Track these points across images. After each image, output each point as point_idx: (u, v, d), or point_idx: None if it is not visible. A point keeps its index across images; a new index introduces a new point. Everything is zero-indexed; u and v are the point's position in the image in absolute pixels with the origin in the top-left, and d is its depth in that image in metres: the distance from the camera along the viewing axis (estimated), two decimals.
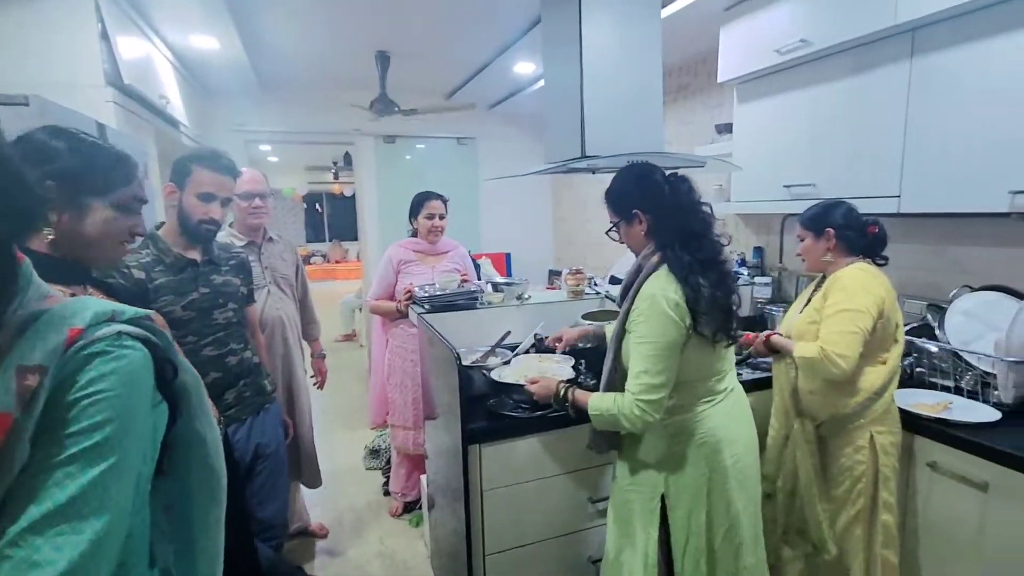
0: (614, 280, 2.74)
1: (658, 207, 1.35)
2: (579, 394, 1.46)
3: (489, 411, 1.68)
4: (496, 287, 2.25)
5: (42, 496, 0.48)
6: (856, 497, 1.54)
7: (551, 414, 1.65)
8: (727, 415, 1.40)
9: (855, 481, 1.54)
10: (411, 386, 2.45)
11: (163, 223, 1.61)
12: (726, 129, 2.63)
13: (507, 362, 1.86)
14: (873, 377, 1.53)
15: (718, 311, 1.30)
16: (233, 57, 3.14)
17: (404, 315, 2.30)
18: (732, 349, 1.43)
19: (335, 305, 6.44)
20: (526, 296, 2.27)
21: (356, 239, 6.12)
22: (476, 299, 2.17)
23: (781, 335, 1.69)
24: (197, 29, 2.73)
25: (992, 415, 1.56)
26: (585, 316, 2.22)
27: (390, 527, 2.58)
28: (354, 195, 9.57)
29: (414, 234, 2.55)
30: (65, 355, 0.52)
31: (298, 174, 10.85)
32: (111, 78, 2.10)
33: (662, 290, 1.28)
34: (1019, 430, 1.49)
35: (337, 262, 11.94)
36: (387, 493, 2.82)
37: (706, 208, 1.38)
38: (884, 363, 1.54)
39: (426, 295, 2.13)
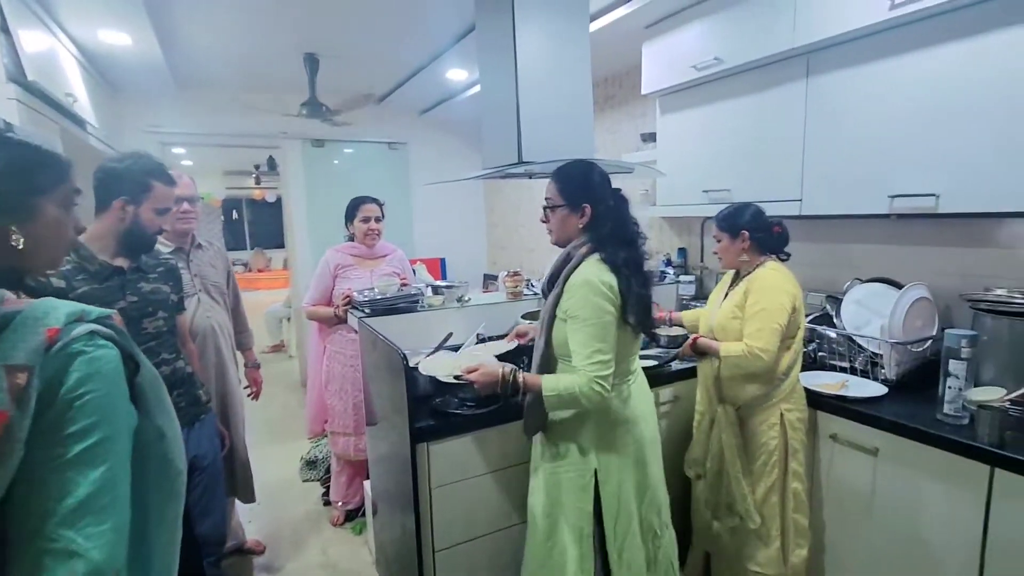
0: None
1: (604, 207, 1.46)
2: (529, 378, 1.45)
3: (435, 410, 1.71)
4: (436, 290, 2.28)
5: (62, 493, 0.53)
6: (771, 469, 1.71)
7: (496, 409, 1.71)
8: (640, 391, 1.57)
9: (770, 455, 1.71)
10: (351, 391, 2.42)
11: (83, 229, 1.52)
12: (650, 138, 2.81)
13: (429, 355, 1.90)
14: (782, 361, 1.71)
15: (642, 304, 1.43)
16: (147, 54, 2.97)
17: (343, 320, 2.28)
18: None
19: (259, 315, 6.15)
20: (466, 298, 2.32)
21: (281, 246, 5.88)
22: (417, 302, 2.19)
23: (705, 337, 1.83)
24: (107, 24, 2.56)
25: (880, 390, 1.79)
26: (525, 316, 2.30)
27: (331, 537, 2.53)
28: (278, 200, 9.19)
29: (351, 238, 2.53)
30: (47, 355, 0.54)
31: (215, 179, 10.26)
32: (13, 74, 1.94)
33: (597, 275, 1.39)
34: (901, 402, 1.72)
35: (260, 271, 11.38)
36: (327, 503, 2.76)
37: (636, 225, 1.51)
38: (789, 348, 1.72)
39: (365, 299, 2.12)
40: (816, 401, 1.80)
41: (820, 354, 2.10)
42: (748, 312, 1.70)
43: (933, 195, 1.69)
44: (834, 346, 2.04)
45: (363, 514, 2.54)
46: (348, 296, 2.24)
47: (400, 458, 1.67)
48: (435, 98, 4.15)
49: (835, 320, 2.07)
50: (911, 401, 1.71)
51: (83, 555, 0.52)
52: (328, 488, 2.76)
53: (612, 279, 1.39)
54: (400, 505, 1.76)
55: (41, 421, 0.53)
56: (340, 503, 2.62)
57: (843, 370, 1.98)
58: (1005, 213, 1.71)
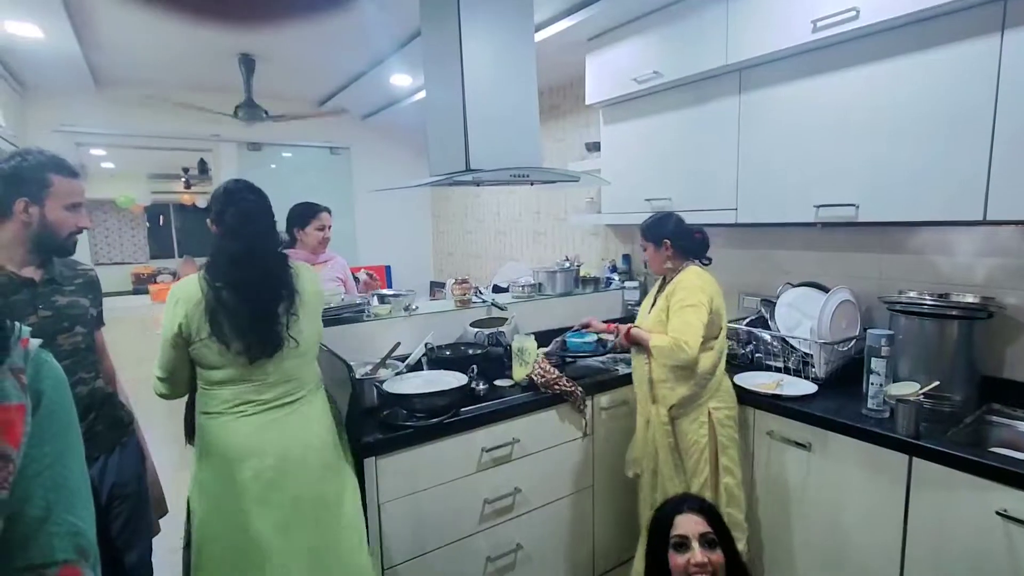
0: (497, 289, 2.85)
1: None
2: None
3: (382, 423, 1.66)
4: (383, 299, 2.23)
5: (59, 484, 0.63)
6: (703, 466, 1.77)
7: (446, 420, 1.68)
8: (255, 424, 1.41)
9: (700, 452, 1.77)
10: None
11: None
12: (595, 147, 2.88)
13: (377, 366, 1.86)
14: (705, 361, 1.77)
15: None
16: (62, 49, 2.75)
17: None
18: None
19: None
20: (413, 307, 2.28)
21: None
22: (363, 311, 2.13)
23: (638, 328, 1.90)
24: (15, 14, 2.36)
25: (811, 388, 1.89)
26: (473, 324, 2.29)
27: None
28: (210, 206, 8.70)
29: (292, 244, 2.44)
30: (27, 361, 0.61)
31: (139, 183, 9.61)
32: None
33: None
34: (830, 398, 1.83)
35: None
36: None
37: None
38: (712, 348, 1.79)
39: None
40: (754, 400, 1.89)
41: (757, 355, 2.20)
42: (672, 308, 1.78)
43: (853, 205, 1.81)
44: (769, 347, 2.15)
45: None
46: None
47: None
48: (378, 103, 4.08)
49: (770, 323, 2.18)
50: (839, 397, 1.83)
51: (82, 533, 0.64)
52: None
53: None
54: None
55: (35, 420, 0.61)
56: None
57: (778, 370, 2.09)
58: (916, 222, 1.86)
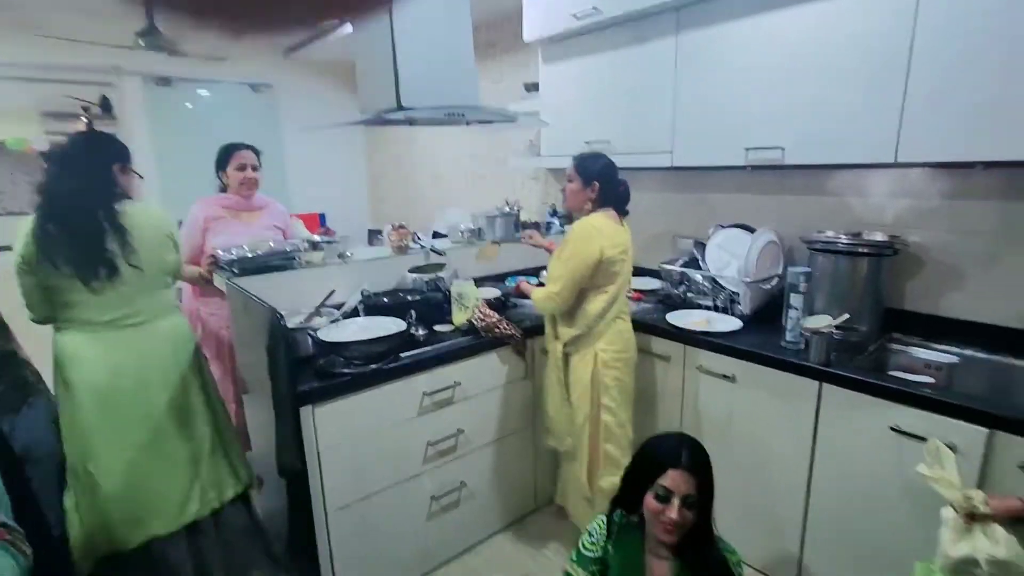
0: (437, 235, 2.79)
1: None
2: None
3: (319, 371, 1.62)
4: (315, 245, 2.13)
5: None
6: (584, 402, 1.83)
7: (385, 366, 1.66)
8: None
9: (584, 388, 1.83)
10: (230, 356, 2.23)
11: None
12: (533, 88, 2.80)
13: (311, 315, 1.80)
14: (595, 305, 1.79)
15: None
16: None
17: (209, 281, 2.06)
18: None
19: None
20: (348, 254, 2.20)
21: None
22: (293, 259, 2.03)
23: (530, 283, 1.94)
24: None
25: (737, 324, 2.00)
26: (412, 270, 2.24)
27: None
28: None
29: (223, 189, 2.27)
30: None
31: (29, 122, 8.56)
32: None
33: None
34: (754, 334, 1.94)
35: None
36: None
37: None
38: (606, 293, 1.81)
39: (233, 257, 1.92)
40: (685, 337, 1.98)
41: (689, 295, 2.29)
42: (556, 257, 1.80)
43: (780, 148, 1.87)
44: (700, 287, 2.24)
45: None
46: (212, 256, 2.02)
47: (282, 424, 1.57)
48: (301, 36, 3.75)
49: (701, 263, 2.26)
50: (761, 332, 1.94)
51: None
52: None
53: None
54: (287, 470, 1.67)
55: None
56: None
57: (708, 308, 2.19)
58: (835, 165, 1.96)
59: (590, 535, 1.26)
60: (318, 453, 1.57)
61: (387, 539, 1.80)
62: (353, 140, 4.79)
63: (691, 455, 1.15)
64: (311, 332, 1.71)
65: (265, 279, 1.93)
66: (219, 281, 1.98)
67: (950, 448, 1.28)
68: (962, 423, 1.37)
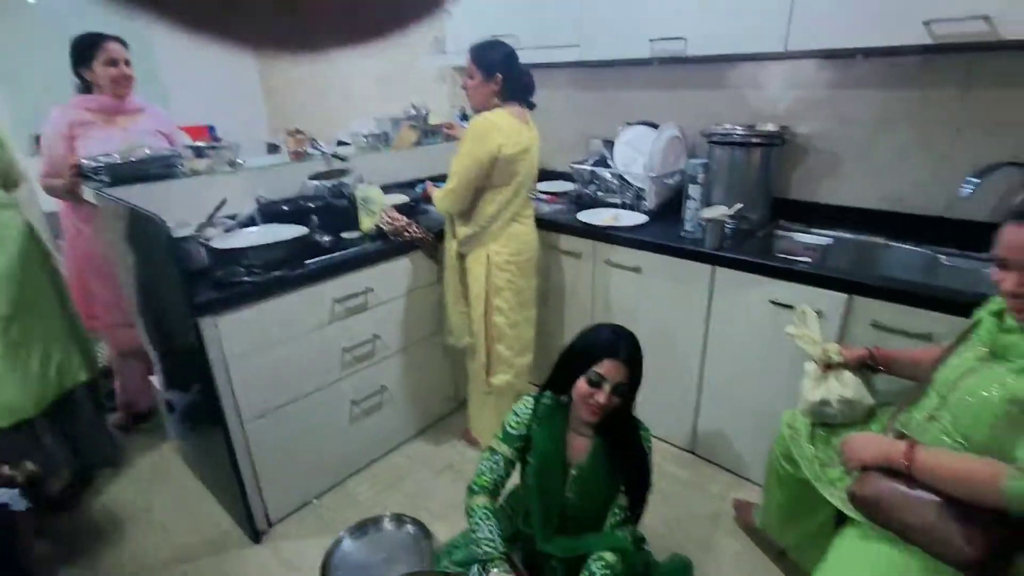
0: (342, 144, 2.62)
1: None
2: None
3: (218, 283, 1.53)
4: (200, 152, 1.93)
5: None
6: (479, 302, 1.86)
7: (289, 273, 1.60)
8: None
9: (479, 289, 1.85)
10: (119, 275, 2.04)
11: None
12: None
13: (228, 230, 1.69)
14: (489, 206, 1.76)
15: None
16: None
17: (76, 194, 1.83)
18: None
19: None
20: (239, 161, 2.02)
21: None
22: (175, 167, 1.84)
23: (434, 186, 1.89)
24: None
25: (643, 219, 2.08)
26: (313, 177, 2.11)
27: (126, 445, 2.26)
28: None
29: (86, 90, 1.97)
30: None
31: None
32: None
33: None
34: (658, 227, 2.03)
35: None
36: (113, 409, 2.42)
37: None
38: (502, 193, 1.77)
39: (101, 164, 1.71)
40: (594, 234, 2.04)
41: (599, 193, 2.34)
42: (455, 154, 1.73)
43: (682, 39, 1.87)
44: (609, 184, 2.29)
45: (157, 413, 2.30)
46: (75, 164, 1.79)
47: (185, 336, 1.50)
48: None
49: (610, 162, 2.29)
50: (664, 225, 2.04)
51: None
52: (110, 393, 2.41)
53: None
54: (195, 385, 1.62)
55: None
56: (128, 406, 2.32)
57: (616, 205, 2.25)
58: (733, 56, 1.99)
59: (516, 415, 1.30)
60: (226, 364, 1.52)
61: (310, 444, 1.82)
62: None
63: (628, 348, 1.19)
64: (203, 242, 1.59)
65: (145, 190, 1.75)
66: (89, 194, 1.77)
67: (817, 313, 1.45)
68: (827, 291, 1.54)
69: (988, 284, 1.06)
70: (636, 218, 2.10)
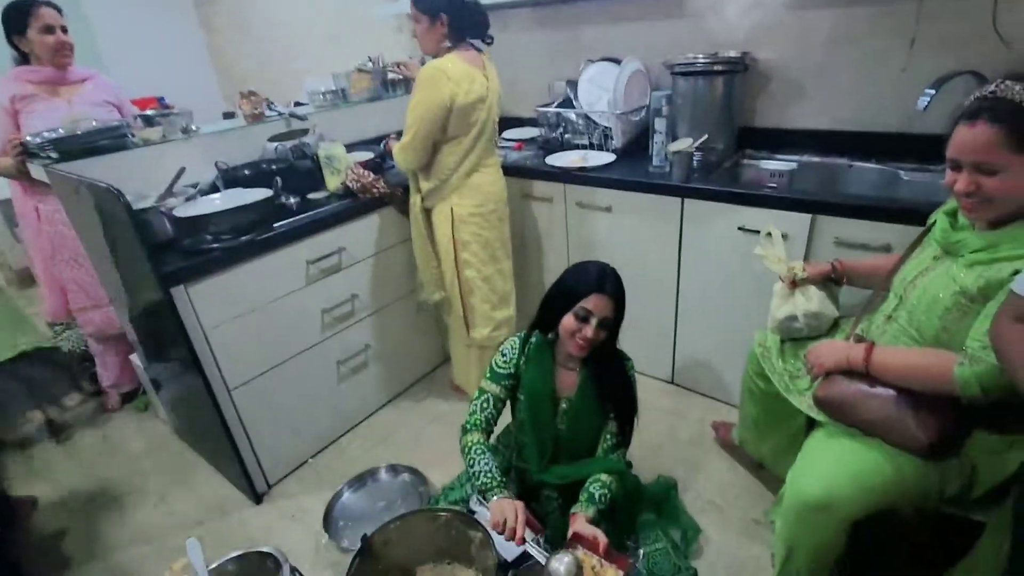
0: (300, 105, 2.53)
1: None
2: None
3: (185, 252, 1.51)
4: (150, 120, 1.86)
5: None
6: (448, 257, 1.85)
7: (258, 237, 1.58)
8: None
9: (447, 244, 1.83)
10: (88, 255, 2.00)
11: None
12: None
13: (190, 199, 1.65)
14: (448, 157, 1.72)
15: None
16: None
17: (25, 173, 1.77)
18: None
19: None
20: (193, 127, 1.95)
21: None
22: (125, 137, 1.78)
23: (395, 141, 1.83)
24: None
25: (611, 158, 2.08)
26: (272, 139, 2.06)
27: (115, 424, 2.27)
28: None
29: (24, 61, 1.86)
30: None
31: None
32: None
33: None
34: (626, 164, 2.03)
35: None
36: (96, 393, 2.41)
37: None
38: (460, 144, 1.73)
39: (46, 140, 1.64)
40: (563, 177, 2.04)
41: (566, 136, 2.32)
42: (408, 108, 1.67)
43: None
44: (575, 126, 2.27)
45: (143, 392, 2.30)
46: (20, 142, 1.71)
47: (159, 309, 1.48)
48: None
49: (574, 102, 2.26)
50: (632, 163, 2.04)
51: None
52: (91, 379, 2.40)
53: None
54: (176, 358, 1.62)
55: None
56: (114, 386, 2.31)
57: (583, 146, 2.24)
58: None
59: (503, 354, 1.32)
60: (204, 333, 1.52)
61: (301, 406, 1.85)
62: (183, 9, 4.04)
63: (614, 283, 1.22)
64: (165, 212, 1.56)
65: (96, 164, 1.68)
66: (37, 171, 1.70)
67: (783, 236, 1.48)
68: (792, 213, 1.57)
69: (945, 193, 1.10)
70: (604, 158, 2.09)
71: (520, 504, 1.14)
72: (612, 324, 1.23)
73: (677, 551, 1.36)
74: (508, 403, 1.36)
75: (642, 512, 1.42)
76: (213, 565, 1.14)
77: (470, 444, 1.27)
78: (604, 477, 1.22)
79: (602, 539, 1.08)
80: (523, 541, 1.09)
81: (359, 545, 1.17)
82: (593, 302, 1.19)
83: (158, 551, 1.64)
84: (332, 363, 1.90)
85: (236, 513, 1.76)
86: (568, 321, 1.21)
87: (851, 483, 1.03)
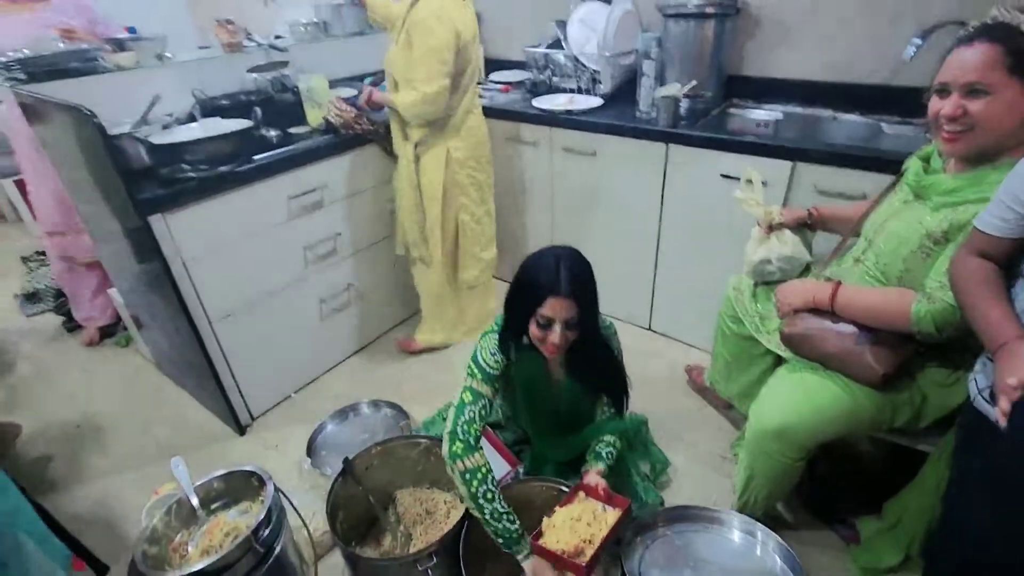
0: (279, 37, 2.43)
1: None
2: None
3: (163, 180, 1.48)
4: (122, 44, 1.78)
5: None
6: (435, 204, 1.82)
7: (237, 168, 1.55)
8: None
9: (432, 191, 1.80)
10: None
11: None
12: None
13: (166, 127, 1.61)
14: (449, 99, 1.68)
15: None
16: None
17: None
18: None
19: None
20: (167, 55, 1.87)
21: None
22: (95, 60, 1.70)
23: (383, 92, 1.76)
24: None
25: (598, 102, 2.06)
26: (252, 70, 1.99)
27: (95, 358, 2.27)
28: None
29: None
30: None
31: None
32: None
33: None
34: (613, 109, 2.01)
35: None
36: (72, 328, 2.40)
37: None
38: (458, 84, 1.68)
39: (12, 60, 1.57)
40: (550, 120, 2.02)
41: (554, 79, 2.28)
42: (416, 56, 1.60)
43: None
44: (564, 69, 2.22)
45: (124, 328, 2.29)
46: None
47: (137, 239, 1.47)
48: None
49: (563, 44, 2.21)
50: (620, 107, 2.02)
51: None
52: (68, 314, 2.38)
53: None
54: (158, 290, 1.61)
55: None
56: (90, 320, 2.30)
57: (571, 90, 2.21)
58: None
59: (492, 353, 1.18)
60: (185, 265, 1.51)
61: (284, 342, 1.86)
62: None
63: (570, 278, 1.07)
64: (140, 139, 1.51)
65: (67, 87, 1.62)
66: (2, 91, 1.63)
67: (763, 183, 1.49)
68: (774, 160, 1.59)
69: (924, 143, 1.12)
70: (591, 101, 2.07)
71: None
72: (579, 321, 1.10)
73: (646, 482, 1.44)
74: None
75: None
76: (199, 483, 1.17)
77: (479, 473, 1.09)
78: (609, 437, 1.27)
79: (601, 484, 1.14)
80: None
81: (341, 467, 1.22)
82: (551, 307, 1.06)
83: (143, 478, 1.68)
84: (315, 300, 1.91)
85: (219, 444, 1.80)
86: (533, 330, 1.11)
87: (809, 412, 1.09)
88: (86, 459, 1.78)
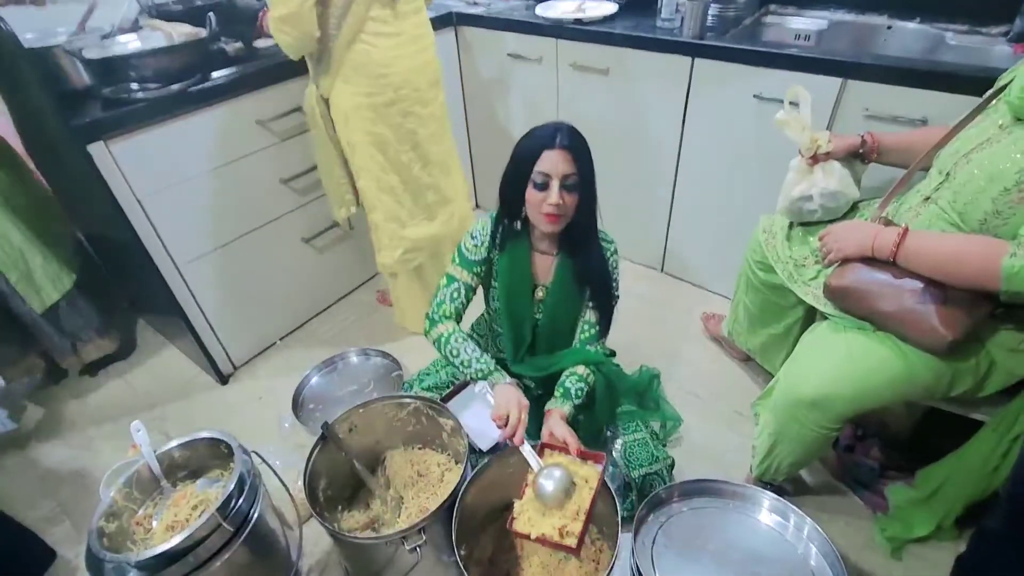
0: None
1: None
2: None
3: (105, 101, 1.27)
4: None
5: None
6: (347, 160, 1.51)
7: (192, 87, 1.33)
8: None
9: (346, 144, 1.46)
10: None
11: None
12: None
13: (106, 37, 1.37)
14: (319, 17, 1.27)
15: None
16: None
17: None
18: None
19: None
20: None
21: None
22: None
23: None
24: None
25: (613, 8, 1.78)
26: None
27: None
28: None
29: None
30: None
31: None
32: None
33: None
34: (629, 18, 1.74)
35: None
36: None
37: None
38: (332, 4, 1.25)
39: None
40: (556, 31, 1.76)
41: None
42: None
43: None
44: None
45: None
46: None
47: (80, 174, 1.28)
48: None
49: None
50: (638, 16, 1.75)
51: None
52: None
53: None
54: (112, 231, 1.44)
55: None
56: None
57: None
58: None
59: (472, 237, 1.16)
60: (139, 200, 1.33)
61: (265, 285, 1.71)
62: None
63: (568, 136, 1.03)
64: (74, 53, 1.29)
65: None
66: None
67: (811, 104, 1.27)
68: (818, 76, 1.35)
69: (1000, 60, 0.89)
70: (605, 8, 1.78)
71: (525, 403, 1.04)
72: (579, 184, 1.04)
73: (656, 441, 1.32)
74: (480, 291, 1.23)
75: (623, 402, 1.36)
76: (162, 449, 1.06)
77: (446, 334, 1.13)
78: (581, 370, 1.13)
79: (572, 444, 1.00)
80: (522, 442, 1.00)
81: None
82: (547, 161, 1.01)
83: (120, 430, 1.57)
84: (297, 240, 1.74)
85: (201, 394, 1.69)
86: (531, 194, 1.05)
87: (854, 380, 0.94)
88: (60, 410, 1.68)
